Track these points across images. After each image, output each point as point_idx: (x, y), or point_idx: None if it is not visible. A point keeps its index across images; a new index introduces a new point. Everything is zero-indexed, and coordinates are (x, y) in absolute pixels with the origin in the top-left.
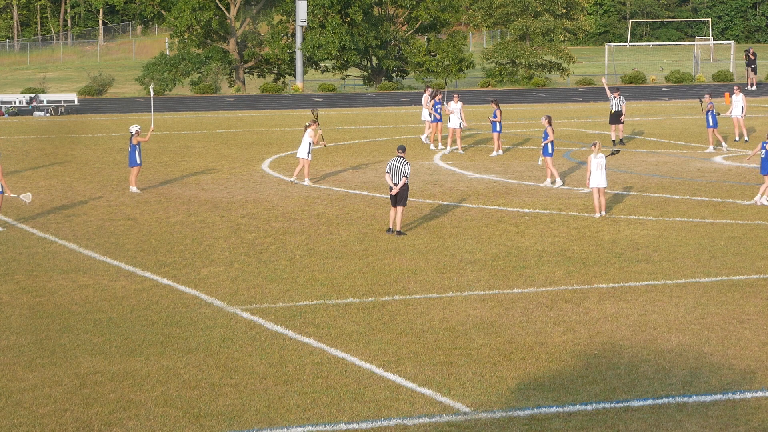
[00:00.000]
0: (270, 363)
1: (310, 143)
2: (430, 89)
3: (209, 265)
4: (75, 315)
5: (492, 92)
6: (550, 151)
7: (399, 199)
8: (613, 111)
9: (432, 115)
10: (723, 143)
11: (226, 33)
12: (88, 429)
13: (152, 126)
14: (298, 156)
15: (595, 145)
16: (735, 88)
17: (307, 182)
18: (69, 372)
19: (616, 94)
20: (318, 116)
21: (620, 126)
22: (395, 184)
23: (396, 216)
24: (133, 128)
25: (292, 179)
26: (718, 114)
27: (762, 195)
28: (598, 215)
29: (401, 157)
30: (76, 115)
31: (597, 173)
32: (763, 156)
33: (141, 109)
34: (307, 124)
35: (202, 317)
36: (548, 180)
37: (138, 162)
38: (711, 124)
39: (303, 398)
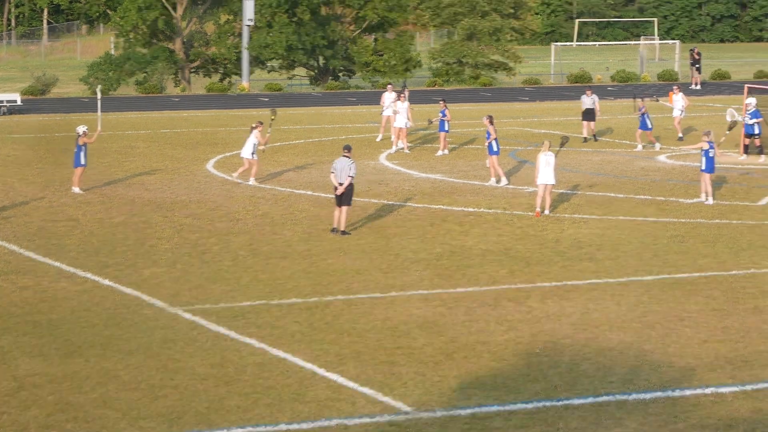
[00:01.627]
0: (211, 364)
1: (254, 144)
2: (391, 86)
3: (151, 266)
4: (14, 317)
5: (439, 92)
6: (495, 149)
7: (344, 198)
8: (584, 109)
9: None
10: (639, 146)
11: (172, 32)
12: None
13: (99, 128)
14: (241, 156)
15: (544, 143)
16: (675, 87)
17: (252, 182)
18: (7, 374)
19: (588, 93)
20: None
21: (592, 123)
22: (340, 184)
23: (340, 216)
24: (80, 129)
25: (234, 176)
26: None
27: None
28: (538, 209)
29: (347, 156)
30: (19, 115)
31: (545, 170)
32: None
33: (85, 109)
34: (254, 125)
35: (144, 318)
36: (492, 179)
37: (83, 163)
38: (649, 126)
39: (244, 399)
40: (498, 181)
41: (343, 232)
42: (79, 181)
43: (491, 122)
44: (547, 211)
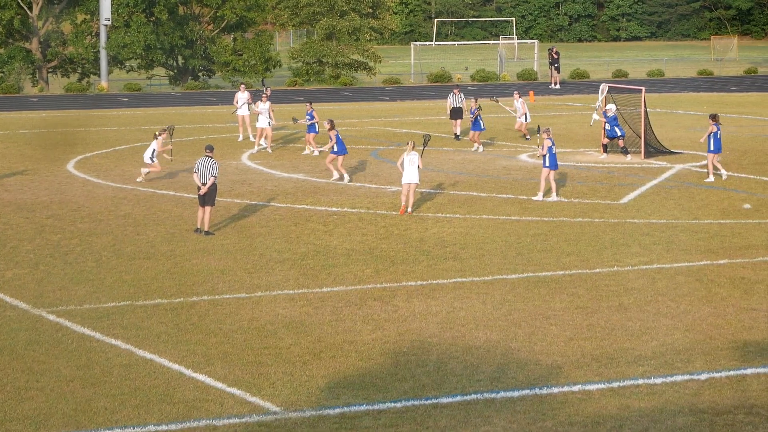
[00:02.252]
0: (77, 365)
1: (154, 150)
2: (244, 86)
3: (13, 267)
4: None
5: (300, 92)
6: (336, 149)
7: (207, 198)
8: (452, 107)
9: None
10: (480, 147)
11: (29, 32)
12: None
13: None
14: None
15: (408, 144)
16: (515, 93)
17: (141, 179)
18: None
19: (456, 91)
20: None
21: (458, 121)
22: (203, 184)
23: (204, 216)
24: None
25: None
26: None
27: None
28: (403, 205)
29: (209, 156)
30: None
31: (409, 169)
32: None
33: None
34: (157, 133)
35: (7, 320)
36: (336, 174)
37: None
38: (482, 127)
39: (111, 401)
40: (342, 179)
41: (207, 233)
42: None
43: (332, 127)
44: (409, 209)
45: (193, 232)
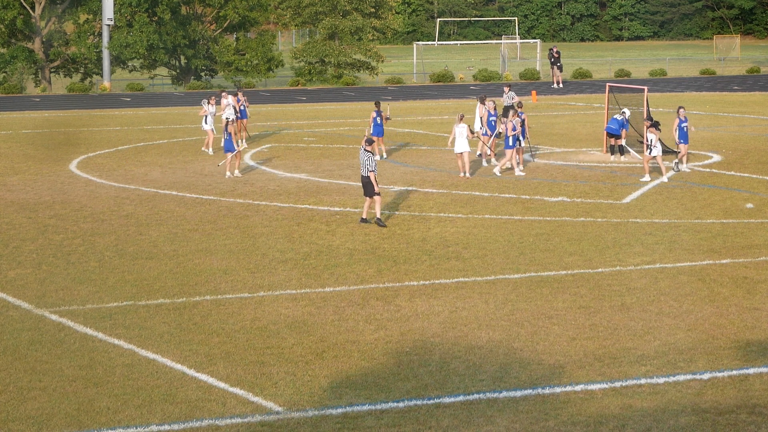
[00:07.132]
0: (79, 365)
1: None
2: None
3: (16, 267)
4: None
5: (302, 91)
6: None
7: (369, 190)
8: (504, 105)
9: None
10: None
11: (31, 32)
12: None
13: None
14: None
15: (457, 116)
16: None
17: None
18: None
19: (507, 89)
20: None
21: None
22: (362, 176)
23: (374, 206)
24: (230, 117)
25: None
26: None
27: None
28: (462, 174)
29: (366, 150)
30: None
31: (459, 140)
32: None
33: None
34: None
35: (10, 320)
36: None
37: (234, 149)
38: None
39: (114, 400)
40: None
41: (378, 221)
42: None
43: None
44: (467, 174)
45: (191, 232)
